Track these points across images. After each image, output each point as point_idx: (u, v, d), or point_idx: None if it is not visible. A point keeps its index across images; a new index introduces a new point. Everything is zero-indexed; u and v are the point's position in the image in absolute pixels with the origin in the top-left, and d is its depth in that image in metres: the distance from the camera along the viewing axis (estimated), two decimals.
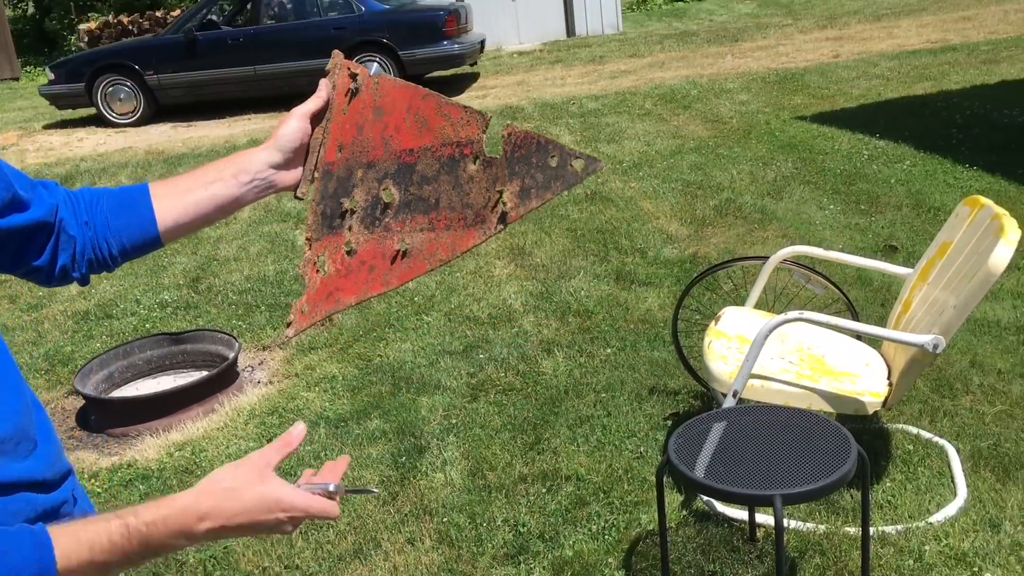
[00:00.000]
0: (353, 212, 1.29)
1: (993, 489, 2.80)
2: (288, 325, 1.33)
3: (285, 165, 1.30)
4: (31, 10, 23.46)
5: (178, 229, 1.25)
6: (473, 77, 12.68)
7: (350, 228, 1.29)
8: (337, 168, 1.31)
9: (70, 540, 0.93)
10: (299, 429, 1.09)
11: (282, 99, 11.66)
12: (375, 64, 11.30)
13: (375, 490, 1.08)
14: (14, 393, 1.07)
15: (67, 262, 1.21)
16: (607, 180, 6.56)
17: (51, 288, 1.11)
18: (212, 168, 1.27)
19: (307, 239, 1.34)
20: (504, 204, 1.19)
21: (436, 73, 12.24)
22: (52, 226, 1.18)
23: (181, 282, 5.46)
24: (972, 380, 3.39)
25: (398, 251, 1.25)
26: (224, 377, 3.97)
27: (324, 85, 1.32)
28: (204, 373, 4.02)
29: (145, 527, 0.95)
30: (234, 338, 4.20)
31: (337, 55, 1.36)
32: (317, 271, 1.31)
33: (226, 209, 1.27)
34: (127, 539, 0.94)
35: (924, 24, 12.28)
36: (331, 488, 1.04)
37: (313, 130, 1.32)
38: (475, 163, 1.22)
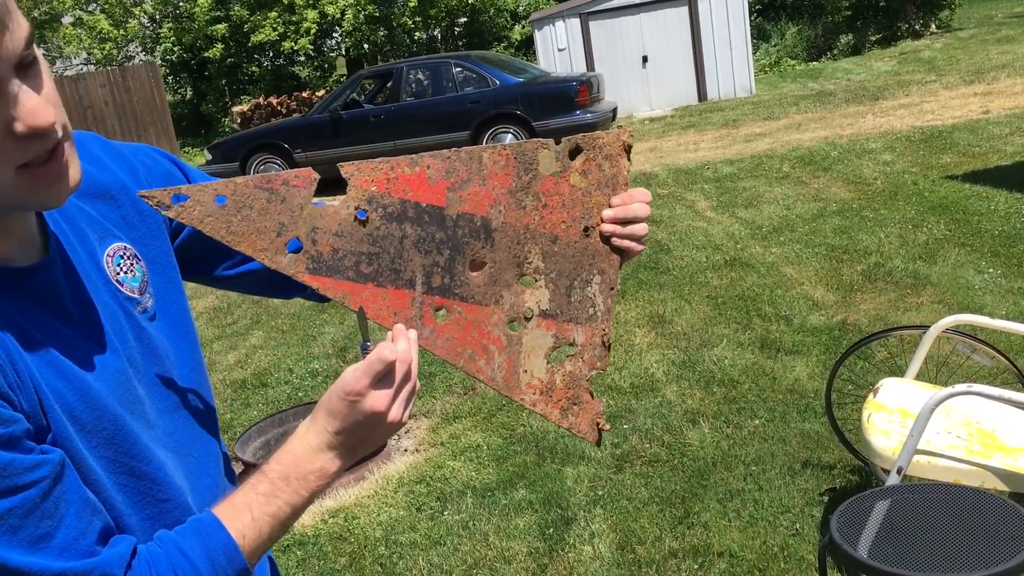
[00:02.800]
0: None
1: None
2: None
3: None
4: (189, 95, 25.25)
5: None
6: None
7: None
8: None
9: (234, 516, 0.97)
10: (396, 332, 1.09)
11: None
12: (509, 136, 11.57)
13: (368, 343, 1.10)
14: (203, 379, 1.14)
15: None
16: (747, 246, 6.46)
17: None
18: None
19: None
20: None
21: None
22: None
23: (330, 351, 5.66)
24: None
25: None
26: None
27: None
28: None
29: (280, 466, 1.00)
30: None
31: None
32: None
33: None
34: (276, 488, 0.99)
35: None
36: (368, 344, 1.05)
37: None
38: None
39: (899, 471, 2.62)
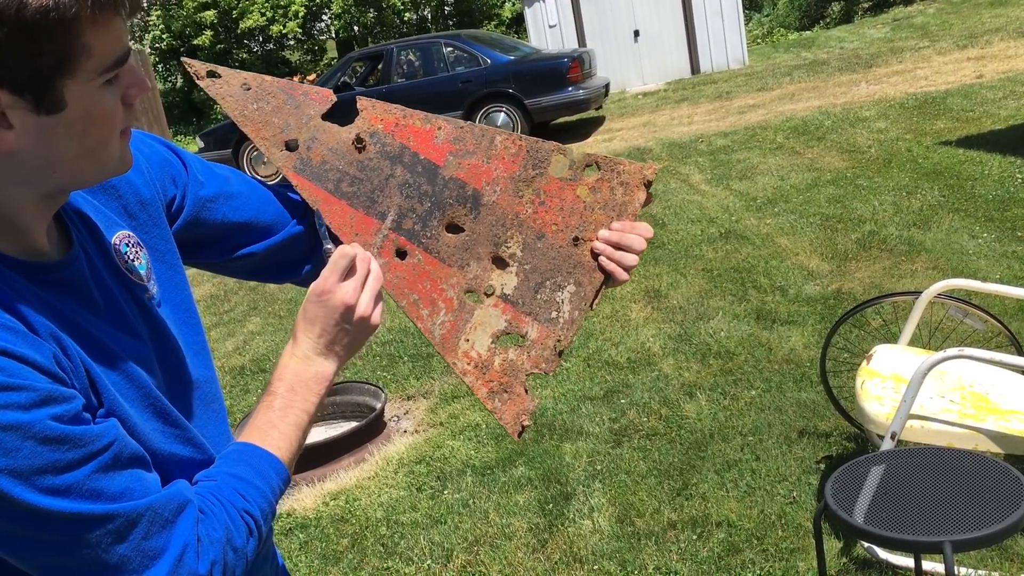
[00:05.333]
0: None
1: None
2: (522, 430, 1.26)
3: None
4: (179, 82, 25.13)
5: None
6: (599, 121, 12.78)
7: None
8: None
9: (263, 436, 1.05)
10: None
11: None
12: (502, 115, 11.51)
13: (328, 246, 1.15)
14: (207, 362, 1.19)
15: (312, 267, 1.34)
16: (741, 218, 6.46)
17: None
18: None
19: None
20: None
21: (562, 119, 12.41)
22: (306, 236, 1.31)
23: None
24: None
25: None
26: (373, 427, 4.10)
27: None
28: (354, 424, 4.15)
29: (282, 382, 1.08)
30: (380, 389, 4.34)
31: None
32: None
33: None
34: (288, 400, 1.07)
35: None
36: (328, 247, 1.16)
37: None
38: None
39: (893, 436, 2.64)
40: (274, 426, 1.05)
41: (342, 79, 12.54)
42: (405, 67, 12.60)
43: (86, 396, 0.90)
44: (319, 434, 4.26)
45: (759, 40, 19.29)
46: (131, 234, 1.09)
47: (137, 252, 1.08)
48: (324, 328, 1.09)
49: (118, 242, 1.06)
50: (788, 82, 12.81)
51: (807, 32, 19.57)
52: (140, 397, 0.98)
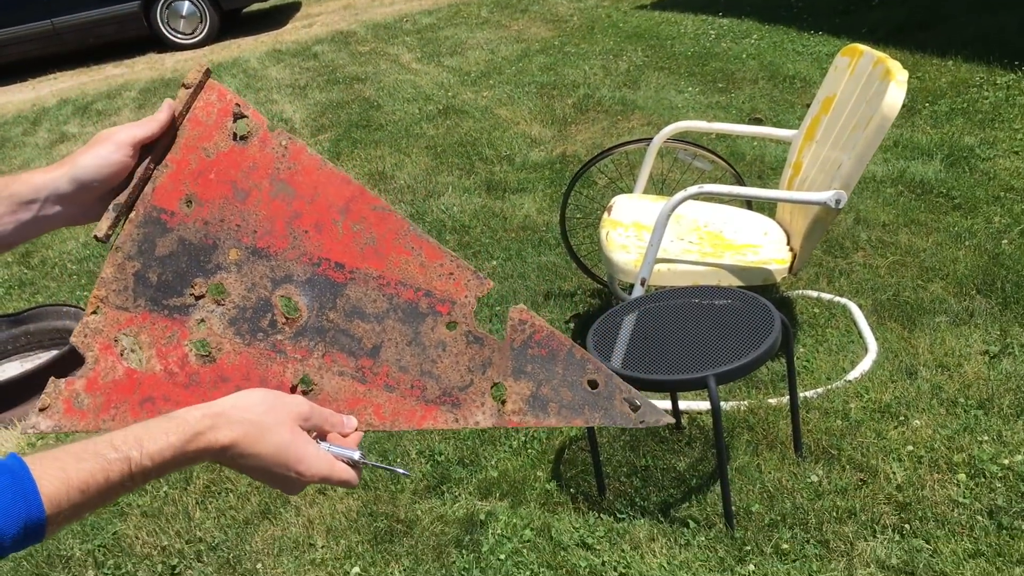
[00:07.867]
0: (219, 303, 0.99)
1: (902, 338, 2.79)
2: (42, 410, 0.99)
3: (78, 202, 0.97)
4: None
5: None
6: (295, 8, 12.01)
7: (204, 322, 0.99)
8: (180, 225, 1.00)
9: (59, 485, 0.75)
10: (351, 423, 0.97)
11: (89, 53, 10.72)
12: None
13: (402, 471, 0.92)
14: None
15: None
16: (458, 93, 6.29)
17: None
18: None
19: (96, 298, 1.01)
20: (502, 402, 0.95)
21: (255, 6, 11.52)
22: None
23: (9, 259, 4.92)
24: (860, 236, 3.39)
25: (292, 385, 0.97)
26: (79, 353, 3.57)
27: (167, 106, 1.01)
28: (55, 352, 3.61)
29: (151, 461, 0.80)
30: (82, 310, 3.79)
31: (201, 71, 1.04)
32: (120, 355, 1.00)
33: None
34: (128, 475, 0.79)
35: None
36: (356, 457, 0.92)
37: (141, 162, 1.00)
38: (449, 329, 0.97)
39: (643, 282, 2.61)
40: (79, 475, 0.77)
41: None
42: None
43: None
44: (13, 370, 3.68)
45: None
46: None
47: None
48: (262, 470, 0.86)
49: None
50: None
51: None
52: None
